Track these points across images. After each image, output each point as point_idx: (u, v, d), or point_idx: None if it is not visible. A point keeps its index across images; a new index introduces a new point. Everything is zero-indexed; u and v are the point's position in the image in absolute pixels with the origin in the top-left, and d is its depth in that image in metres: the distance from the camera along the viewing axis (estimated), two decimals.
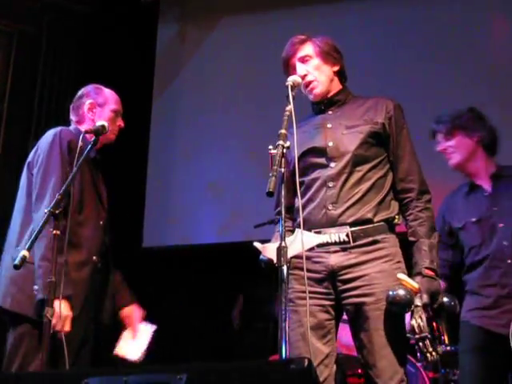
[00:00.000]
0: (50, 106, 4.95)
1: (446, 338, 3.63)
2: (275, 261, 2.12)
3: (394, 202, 2.39)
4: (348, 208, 2.31)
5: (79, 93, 2.88)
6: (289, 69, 2.49)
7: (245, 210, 4.67)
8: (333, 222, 2.31)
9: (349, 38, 4.78)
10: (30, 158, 2.71)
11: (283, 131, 2.12)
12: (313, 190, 2.37)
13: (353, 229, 2.29)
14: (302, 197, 2.36)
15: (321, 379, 2.20)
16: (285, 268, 1.94)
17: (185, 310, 4.70)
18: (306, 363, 1.44)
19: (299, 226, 2.19)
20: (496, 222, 2.92)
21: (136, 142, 5.02)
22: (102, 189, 2.76)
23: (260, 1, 5.35)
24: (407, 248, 2.36)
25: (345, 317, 2.38)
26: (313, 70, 2.45)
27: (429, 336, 2.15)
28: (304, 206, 2.35)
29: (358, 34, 4.90)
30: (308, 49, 2.48)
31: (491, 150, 3.10)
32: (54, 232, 2.21)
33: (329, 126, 2.44)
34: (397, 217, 2.37)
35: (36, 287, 2.42)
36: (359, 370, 3.28)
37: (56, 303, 2.32)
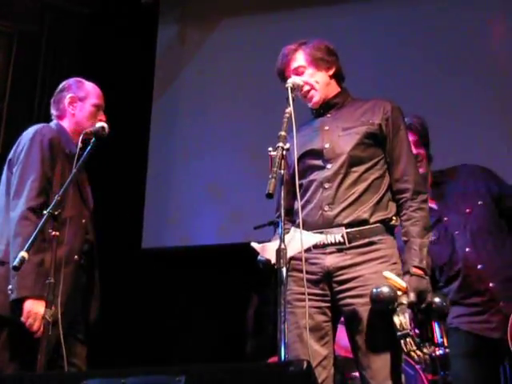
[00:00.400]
0: (49, 106, 4.95)
1: (445, 340, 3.63)
2: (273, 261, 2.13)
3: (391, 203, 2.39)
4: (344, 209, 2.32)
5: (60, 86, 2.83)
6: (285, 80, 2.48)
7: (244, 212, 4.67)
8: (329, 223, 2.32)
9: (348, 40, 4.80)
10: (10, 155, 2.67)
11: (283, 133, 2.12)
12: (310, 191, 2.38)
13: (348, 230, 2.29)
14: (301, 199, 2.36)
15: (319, 381, 2.20)
16: (284, 270, 1.94)
17: (184, 311, 4.70)
18: (305, 365, 1.44)
19: (298, 228, 2.19)
20: (452, 232, 2.89)
21: (136, 143, 5.02)
22: (86, 187, 2.74)
23: (260, 2, 5.36)
24: None
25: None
26: (308, 80, 2.46)
27: (411, 333, 2.12)
28: (302, 208, 2.35)
29: (358, 35, 4.91)
30: (300, 59, 2.48)
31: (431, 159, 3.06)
32: (53, 233, 2.21)
33: (326, 128, 2.45)
34: (394, 218, 2.37)
35: (10, 287, 2.40)
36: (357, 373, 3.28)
37: (30, 302, 2.35)
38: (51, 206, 2.22)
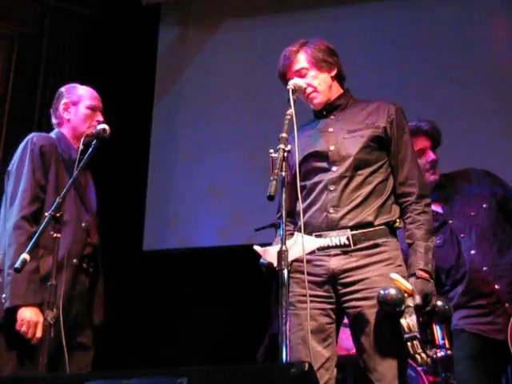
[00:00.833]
0: (51, 108, 4.95)
1: (446, 342, 3.63)
2: (275, 264, 2.12)
3: (395, 206, 2.38)
4: (349, 211, 2.31)
5: (56, 94, 2.85)
6: (286, 82, 2.46)
7: (245, 214, 4.67)
8: (333, 226, 2.31)
9: (349, 41, 4.80)
10: (9, 167, 2.70)
11: (284, 135, 2.12)
12: (314, 193, 2.37)
13: (353, 232, 2.29)
14: (304, 201, 2.36)
15: (321, 383, 2.20)
16: (285, 272, 1.94)
17: (185, 313, 4.69)
18: (307, 367, 1.44)
19: (300, 230, 2.19)
20: (457, 235, 2.90)
21: (137, 146, 5.03)
22: (88, 191, 2.74)
23: (261, 4, 5.36)
24: None
25: (346, 320, 2.38)
26: (311, 81, 2.45)
27: (418, 336, 2.12)
28: (305, 210, 2.35)
29: (359, 37, 4.91)
30: (302, 60, 2.47)
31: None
32: (55, 235, 2.21)
33: (330, 130, 2.44)
34: (398, 220, 2.36)
35: (4, 295, 2.42)
36: None
37: (23, 310, 2.37)
38: (52, 207, 2.23)
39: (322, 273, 2.29)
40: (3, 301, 2.42)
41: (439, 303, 2.23)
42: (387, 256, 2.29)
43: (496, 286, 2.80)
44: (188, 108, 5.29)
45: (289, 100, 2.28)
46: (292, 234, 2.36)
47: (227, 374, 1.51)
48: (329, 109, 2.48)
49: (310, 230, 2.29)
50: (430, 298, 2.20)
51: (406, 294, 2.17)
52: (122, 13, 5.28)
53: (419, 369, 3.46)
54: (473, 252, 2.85)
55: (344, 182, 2.34)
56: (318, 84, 2.46)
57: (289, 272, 1.96)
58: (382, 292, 2.16)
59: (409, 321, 2.13)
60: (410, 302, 2.16)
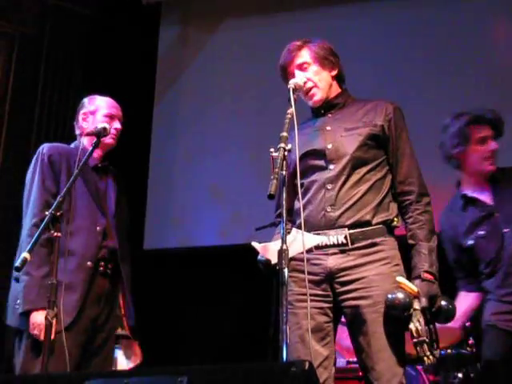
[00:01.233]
0: (51, 109, 4.95)
1: None
2: (273, 261, 2.13)
3: (392, 204, 2.39)
4: (346, 210, 2.31)
5: (78, 106, 2.94)
6: (287, 76, 2.49)
7: (246, 213, 4.67)
8: (331, 224, 2.31)
9: (349, 40, 4.80)
10: None
11: (285, 134, 2.12)
12: (311, 192, 2.37)
13: (351, 231, 2.29)
14: (302, 199, 2.36)
15: (320, 381, 2.20)
16: (286, 270, 1.94)
17: (186, 312, 4.70)
18: (307, 366, 1.44)
19: (298, 228, 2.19)
20: (501, 229, 2.89)
21: (138, 145, 5.02)
22: (107, 196, 2.78)
23: (262, 3, 5.36)
24: (406, 251, 2.36)
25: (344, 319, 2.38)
26: (312, 77, 2.46)
27: (427, 340, 2.14)
28: (303, 208, 2.35)
29: (360, 36, 4.91)
30: (305, 55, 2.48)
31: None
32: (55, 234, 2.22)
33: (328, 128, 2.44)
34: (396, 219, 2.37)
35: (18, 301, 2.51)
36: (360, 373, 3.28)
37: (34, 314, 2.46)
38: (52, 207, 2.24)
39: (319, 271, 2.29)
40: (17, 306, 2.52)
41: (443, 303, 2.24)
42: (385, 255, 2.30)
43: None
44: (189, 107, 5.29)
45: (289, 99, 2.28)
46: (290, 233, 2.37)
47: (227, 372, 1.52)
48: (326, 107, 2.49)
49: (308, 228, 2.29)
50: (435, 299, 2.22)
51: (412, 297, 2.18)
52: (123, 12, 5.28)
53: (419, 367, 3.47)
54: None
55: (341, 180, 2.34)
56: (319, 80, 2.47)
57: (281, 270, 1.96)
58: (389, 296, 2.17)
59: (417, 325, 2.14)
60: (416, 305, 2.17)
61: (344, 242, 2.29)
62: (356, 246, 2.29)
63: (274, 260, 2.16)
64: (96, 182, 2.76)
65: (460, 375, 3.46)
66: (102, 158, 2.83)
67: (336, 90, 2.52)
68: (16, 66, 4.94)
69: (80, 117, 2.86)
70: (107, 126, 2.66)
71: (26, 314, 2.51)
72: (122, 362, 2.77)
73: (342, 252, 2.29)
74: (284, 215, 2.03)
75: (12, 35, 4.98)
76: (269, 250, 2.20)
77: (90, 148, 2.75)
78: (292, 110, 2.22)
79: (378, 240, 2.30)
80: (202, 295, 4.71)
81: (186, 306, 4.71)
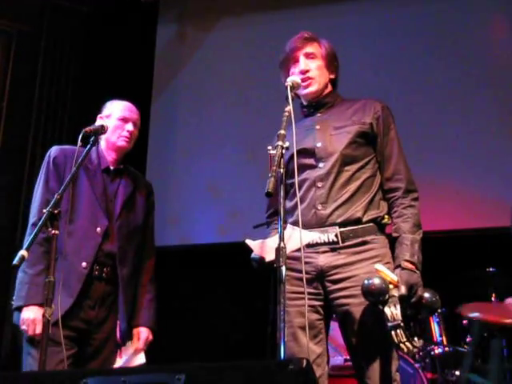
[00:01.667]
0: (49, 105, 4.95)
1: (444, 338, 3.64)
2: (267, 259, 2.16)
3: (382, 202, 2.40)
4: (337, 208, 2.33)
5: None
6: (290, 61, 2.50)
7: (244, 211, 4.67)
8: (322, 222, 2.32)
9: (350, 39, 4.80)
10: None
11: (282, 132, 2.13)
12: (302, 190, 2.38)
13: (342, 229, 2.30)
14: (293, 197, 2.38)
15: None
16: (283, 268, 1.94)
17: (184, 310, 4.70)
18: (305, 363, 1.44)
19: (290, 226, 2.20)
20: None
21: (135, 143, 5.01)
22: (116, 198, 2.78)
23: (260, 1, 5.35)
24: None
25: None
26: (315, 69, 2.48)
27: (401, 324, 2.11)
28: (293, 207, 2.36)
29: (358, 34, 4.91)
30: (316, 48, 2.51)
31: None
32: (53, 232, 2.22)
33: (317, 127, 2.46)
34: (386, 216, 2.38)
35: (14, 297, 2.57)
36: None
37: (24, 310, 2.50)
38: (50, 204, 2.24)
39: (310, 270, 2.30)
40: (12, 303, 2.57)
41: (426, 295, 2.22)
42: (375, 253, 2.31)
43: None
44: (186, 105, 5.29)
45: (287, 97, 2.29)
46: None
47: (226, 370, 1.52)
48: (316, 106, 2.51)
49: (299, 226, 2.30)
50: (415, 289, 2.20)
51: (391, 285, 2.16)
52: (120, 9, 5.27)
53: (417, 365, 3.47)
54: None
55: (331, 178, 2.35)
56: (319, 75, 2.48)
57: (279, 268, 1.96)
58: (365, 282, 2.16)
59: (393, 310, 2.12)
60: (394, 293, 2.16)
61: (335, 240, 2.30)
62: (347, 244, 2.30)
63: (269, 257, 2.18)
64: (105, 184, 2.76)
65: (458, 373, 3.47)
66: (117, 162, 2.83)
67: (328, 91, 2.55)
68: (14, 62, 4.94)
69: (97, 122, 2.87)
70: (105, 123, 2.68)
71: (18, 310, 2.54)
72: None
73: (333, 250, 2.30)
74: (281, 213, 2.03)
75: (10, 32, 4.98)
76: (263, 248, 2.21)
77: (102, 149, 2.82)
78: (289, 107, 2.22)
79: (368, 238, 2.32)
80: (200, 292, 4.72)
81: (184, 304, 4.71)
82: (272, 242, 2.19)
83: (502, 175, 4.38)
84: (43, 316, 2.15)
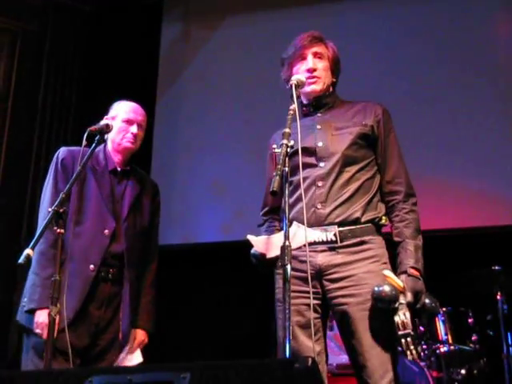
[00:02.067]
0: (54, 104, 4.96)
1: (449, 337, 3.63)
2: (268, 256, 2.19)
3: (380, 204, 2.42)
4: (336, 207, 2.34)
5: None
6: (297, 57, 2.50)
7: (247, 209, 4.66)
8: (321, 221, 2.33)
9: (351, 38, 4.79)
10: None
11: (287, 130, 2.13)
12: (300, 189, 2.36)
13: (340, 229, 2.31)
14: (291, 196, 2.37)
15: None
16: (289, 267, 1.94)
17: (188, 309, 4.70)
18: (310, 362, 1.44)
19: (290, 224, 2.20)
20: None
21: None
22: (123, 200, 2.78)
23: (263, 1, 5.35)
24: (392, 249, 2.38)
25: None
26: (322, 69, 2.49)
27: (412, 333, 2.15)
28: (292, 205, 2.36)
29: (360, 33, 4.91)
30: (323, 49, 2.52)
31: None
32: (58, 231, 2.22)
33: (318, 127, 2.47)
34: (384, 218, 2.40)
35: (25, 299, 2.58)
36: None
37: (38, 313, 2.51)
38: (56, 203, 2.25)
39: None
40: (23, 304, 2.58)
41: (427, 301, 2.26)
42: (373, 253, 2.32)
43: None
44: (191, 104, 5.29)
45: (291, 95, 2.30)
46: (279, 230, 2.41)
47: (230, 369, 1.51)
48: (316, 106, 2.52)
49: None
50: (419, 296, 2.23)
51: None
52: (125, 9, 5.27)
53: (422, 364, 3.47)
54: None
55: (332, 177, 2.37)
56: (324, 76, 2.50)
57: (284, 267, 1.96)
58: (376, 289, 2.18)
59: (403, 318, 2.16)
60: (401, 300, 2.19)
61: (333, 239, 2.31)
62: (345, 243, 2.31)
63: (272, 253, 2.19)
64: (113, 185, 2.77)
65: (463, 371, 3.46)
66: (124, 163, 2.84)
67: (329, 92, 2.55)
68: (18, 62, 4.95)
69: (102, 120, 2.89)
70: (109, 122, 2.69)
71: (30, 313, 2.54)
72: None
73: (331, 249, 2.31)
74: (286, 211, 2.03)
75: (14, 32, 4.99)
76: (267, 244, 2.22)
77: (109, 150, 2.83)
78: (294, 106, 2.22)
79: (366, 238, 2.33)
80: (203, 291, 4.72)
81: (188, 303, 4.71)
82: (277, 238, 2.19)
83: (507, 174, 4.37)
84: (48, 315, 2.15)
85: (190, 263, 4.77)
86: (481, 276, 3.77)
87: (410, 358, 2.17)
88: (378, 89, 4.56)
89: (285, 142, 2.08)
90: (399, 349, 2.22)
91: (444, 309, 3.75)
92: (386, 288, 2.17)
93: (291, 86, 2.33)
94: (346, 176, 2.37)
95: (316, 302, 2.31)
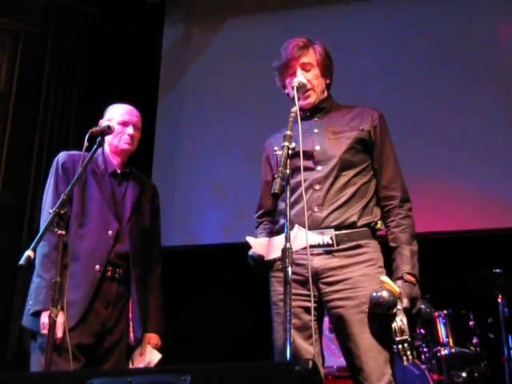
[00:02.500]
0: (55, 105, 4.96)
1: (450, 340, 3.63)
2: (266, 258, 2.20)
3: (375, 208, 2.43)
4: (333, 211, 2.34)
5: None
6: (287, 70, 2.50)
7: (249, 211, 4.62)
8: (317, 225, 2.33)
9: (351, 39, 4.80)
10: None
11: (289, 132, 2.14)
12: (298, 192, 2.37)
13: (337, 232, 2.32)
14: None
15: None
16: (290, 269, 1.94)
17: (189, 310, 4.70)
18: (311, 365, 1.44)
19: (282, 228, 2.21)
20: None
21: (141, 142, 5.02)
22: (124, 201, 2.80)
23: (266, 2, 5.35)
24: (387, 253, 2.38)
25: None
26: (312, 80, 2.48)
27: (409, 339, 2.16)
28: (290, 208, 2.35)
29: (361, 35, 4.91)
30: (311, 56, 2.50)
31: None
32: (60, 232, 2.23)
33: (315, 131, 2.47)
34: (379, 222, 2.41)
35: (30, 302, 2.58)
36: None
37: (43, 315, 2.50)
38: (57, 205, 2.25)
39: (304, 271, 2.29)
40: (29, 307, 2.59)
41: (422, 306, 2.27)
42: (369, 257, 2.33)
43: None
44: (192, 106, 5.29)
45: (293, 97, 2.30)
46: (272, 233, 2.43)
47: (231, 371, 1.51)
48: (313, 111, 2.52)
49: (293, 227, 2.30)
50: (415, 301, 2.25)
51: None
52: (127, 10, 5.28)
53: (423, 367, 3.46)
54: None
55: (329, 181, 2.37)
56: (317, 85, 2.50)
57: (285, 269, 1.96)
58: (374, 294, 2.19)
59: (400, 324, 2.17)
60: (399, 305, 2.20)
61: (330, 242, 2.31)
62: (341, 247, 2.31)
63: (273, 255, 2.19)
64: (114, 187, 2.79)
65: (464, 374, 3.46)
66: (123, 165, 2.86)
67: (324, 96, 2.56)
68: (20, 62, 4.95)
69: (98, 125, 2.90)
70: (111, 124, 2.70)
71: (36, 315, 2.55)
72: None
73: (328, 253, 2.32)
74: (288, 213, 2.03)
75: (16, 33, 4.99)
76: (263, 247, 2.22)
77: (107, 153, 2.85)
78: (296, 108, 2.23)
79: (362, 242, 2.33)
80: (204, 293, 4.71)
81: (189, 304, 4.71)
82: (278, 241, 2.19)
83: (508, 176, 4.37)
84: (49, 317, 2.16)
85: (191, 265, 4.77)
86: (482, 279, 3.77)
87: (405, 363, 2.18)
88: (378, 89, 4.56)
89: (286, 144, 2.08)
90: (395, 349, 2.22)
91: (445, 311, 3.75)
92: (385, 294, 2.17)
93: (292, 88, 2.36)
94: (342, 180, 2.38)
95: (311, 305, 2.31)
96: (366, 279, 2.27)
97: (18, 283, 4.12)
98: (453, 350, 3.61)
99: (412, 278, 2.27)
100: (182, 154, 5.20)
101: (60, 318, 2.40)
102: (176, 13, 5.57)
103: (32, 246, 2.16)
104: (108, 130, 2.65)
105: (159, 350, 2.77)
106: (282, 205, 2.41)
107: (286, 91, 2.55)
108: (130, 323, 2.71)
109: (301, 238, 2.17)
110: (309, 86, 2.46)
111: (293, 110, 2.23)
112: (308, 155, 2.40)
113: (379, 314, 2.19)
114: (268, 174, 2.60)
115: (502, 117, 4.51)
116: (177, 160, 5.20)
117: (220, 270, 4.65)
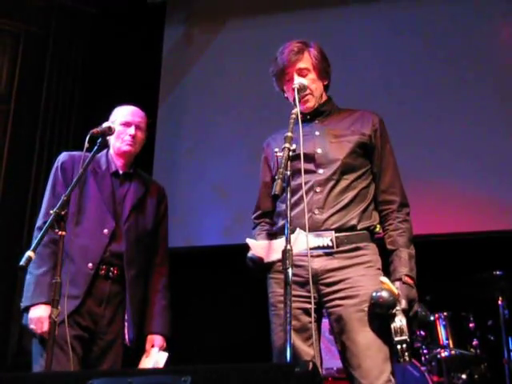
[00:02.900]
0: (56, 106, 4.97)
1: (450, 342, 3.62)
2: (266, 260, 2.21)
3: (374, 212, 2.44)
4: (333, 214, 2.35)
5: None
6: (284, 76, 2.50)
7: (249, 213, 4.63)
8: (317, 227, 2.34)
9: (351, 39, 4.80)
10: None
11: (289, 134, 2.14)
12: (298, 194, 2.37)
13: (337, 234, 2.33)
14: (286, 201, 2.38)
15: None
16: (290, 271, 1.94)
17: (189, 312, 4.70)
18: (311, 366, 1.44)
19: (281, 230, 2.20)
20: None
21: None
22: (125, 201, 2.79)
23: (266, 4, 5.35)
24: (384, 256, 2.40)
25: None
26: (310, 84, 2.48)
27: (408, 340, 2.16)
28: (290, 210, 2.36)
29: (361, 37, 4.91)
30: (307, 61, 2.50)
31: None
32: (60, 233, 2.23)
33: (317, 133, 2.48)
34: (378, 226, 2.42)
35: (22, 299, 2.61)
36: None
37: (31, 310, 2.53)
38: (57, 206, 2.25)
39: (304, 273, 2.29)
40: (21, 304, 2.61)
41: (418, 309, 2.30)
42: (368, 259, 2.34)
43: None
44: (193, 107, 5.29)
45: (294, 99, 2.31)
46: (270, 235, 2.44)
47: (231, 372, 1.51)
48: (314, 114, 2.53)
49: (294, 229, 2.29)
50: (413, 304, 2.26)
51: None
52: (127, 11, 5.28)
53: (423, 369, 3.46)
54: None
55: (330, 184, 2.38)
56: (315, 89, 2.51)
57: (286, 270, 1.96)
58: (374, 294, 2.21)
59: (399, 324, 2.18)
60: (398, 306, 2.20)
61: (330, 244, 2.32)
62: (341, 249, 2.32)
63: (268, 259, 2.20)
64: (114, 187, 2.79)
65: (464, 376, 3.46)
66: (126, 166, 2.86)
67: (323, 98, 2.56)
68: (21, 63, 4.95)
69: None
70: (112, 125, 2.69)
71: (26, 311, 2.57)
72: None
73: (327, 255, 2.32)
74: (288, 215, 2.03)
75: (17, 33, 5.00)
76: (263, 249, 2.22)
77: (110, 154, 2.85)
78: (297, 110, 2.24)
79: (361, 245, 2.35)
80: (204, 294, 4.71)
81: (189, 306, 4.71)
82: (278, 243, 2.20)
83: (509, 178, 4.37)
84: (49, 316, 2.15)
85: (192, 266, 4.76)
86: (482, 281, 3.77)
87: (402, 362, 2.18)
88: (378, 91, 4.56)
89: (287, 145, 2.09)
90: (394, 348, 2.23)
91: (445, 313, 3.75)
92: (384, 294, 2.18)
93: (293, 90, 2.36)
94: (343, 183, 2.39)
95: (310, 306, 2.31)
96: (365, 279, 2.28)
97: (18, 283, 4.13)
98: (453, 352, 3.60)
99: (410, 281, 2.28)
100: (182, 156, 5.20)
101: (38, 314, 2.48)
102: (176, 14, 5.57)
103: (32, 246, 2.16)
104: (109, 130, 2.63)
105: (164, 350, 2.76)
106: (281, 206, 2.42)
107: (286, 95, 2.56)
108: (125, 323, 2.70)
109: (301, 241, 2.17)
110: (307, 92, 2.46)
111: (293, 111, 2.24)
112: (309, 158, 2.40)
113: (379, 314, 2.19)
114: (266, 175, 2.60)
115: (502, 119, 4.52)
116: (177, 161, 5.20)
117: (220, 272, 4.65)
